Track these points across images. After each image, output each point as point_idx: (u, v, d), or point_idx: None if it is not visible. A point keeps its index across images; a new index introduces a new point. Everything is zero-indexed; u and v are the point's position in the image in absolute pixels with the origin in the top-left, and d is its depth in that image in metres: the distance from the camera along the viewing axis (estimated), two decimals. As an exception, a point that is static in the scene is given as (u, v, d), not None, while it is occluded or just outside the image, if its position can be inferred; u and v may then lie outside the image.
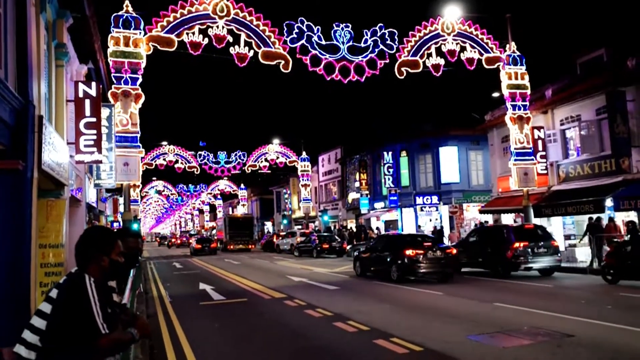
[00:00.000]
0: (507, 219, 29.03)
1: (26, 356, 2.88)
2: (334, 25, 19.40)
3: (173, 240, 77.04)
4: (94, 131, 12.63)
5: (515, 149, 21.74)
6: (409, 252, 16.76)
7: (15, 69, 8.19)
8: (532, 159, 21.91)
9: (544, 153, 23.44)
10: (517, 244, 17.22)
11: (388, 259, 17.48)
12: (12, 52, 8.08)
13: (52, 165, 9.91)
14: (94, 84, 13.02)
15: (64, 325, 2.73)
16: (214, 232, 65.30)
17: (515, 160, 21.69)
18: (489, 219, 30.32)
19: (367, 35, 19.70)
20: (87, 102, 12.60)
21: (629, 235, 15.63)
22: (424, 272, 16.66)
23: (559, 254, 18.07)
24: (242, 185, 64.98)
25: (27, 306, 7.51)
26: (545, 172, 23.62)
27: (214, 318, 11.56)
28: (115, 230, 3.54)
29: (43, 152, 8.95)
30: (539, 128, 23.58)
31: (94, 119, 12.67)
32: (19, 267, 7.75)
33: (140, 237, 4.35)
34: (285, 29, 18.66)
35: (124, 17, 16.92)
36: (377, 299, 13.32)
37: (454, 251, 18.50)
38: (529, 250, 17.21)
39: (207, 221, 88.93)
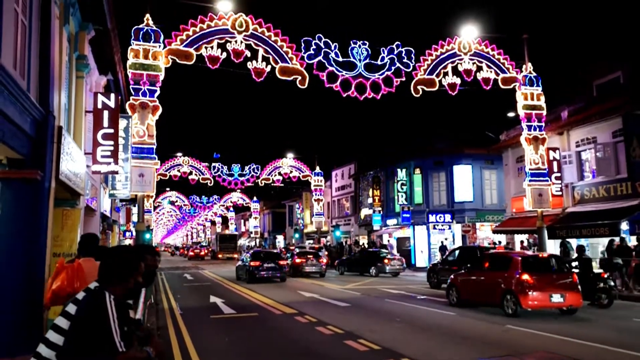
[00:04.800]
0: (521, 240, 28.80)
1: (41, 369, 2.90)
2: (351, 42, 19.47)
3: (181, 251, 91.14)
4: (111, 142, 12.74)
5: (530, 169, 21.57)
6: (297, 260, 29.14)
7: (37, 80, 8.33)
8: (547, 180, 21.71)
9: (559, 174, 23.25)
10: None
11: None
12: (35, 63, 8.22)
13: (69, 175, 10.03)
14: (112, 95, 13.16)
15: (82, 342, 2.74)
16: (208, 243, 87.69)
17: (530, 180, 21.51)
18: (502, 239, 30.08)
19: (383, 53, 19.73)
20: (106, 113, 12.72)
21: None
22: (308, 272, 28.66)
23: None
24: (255, 198, 65.08)
25: (40, 314, 7.58)
26: (560, 193, 23.42)
27: (225, 332, 11.54)
28: (136, 251, 3.48)
29: (61, 163, 9.06)
30: (554, 149, 23.41)
31: (111, 130, 12.79)
32: (34, 274, 7.82)
33: (158, 255, 4.34)
34: (303, 45, 18.76)
35: (145, 30, 17.12)
36: (388, 318, 13.23)
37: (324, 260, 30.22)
38: None
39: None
